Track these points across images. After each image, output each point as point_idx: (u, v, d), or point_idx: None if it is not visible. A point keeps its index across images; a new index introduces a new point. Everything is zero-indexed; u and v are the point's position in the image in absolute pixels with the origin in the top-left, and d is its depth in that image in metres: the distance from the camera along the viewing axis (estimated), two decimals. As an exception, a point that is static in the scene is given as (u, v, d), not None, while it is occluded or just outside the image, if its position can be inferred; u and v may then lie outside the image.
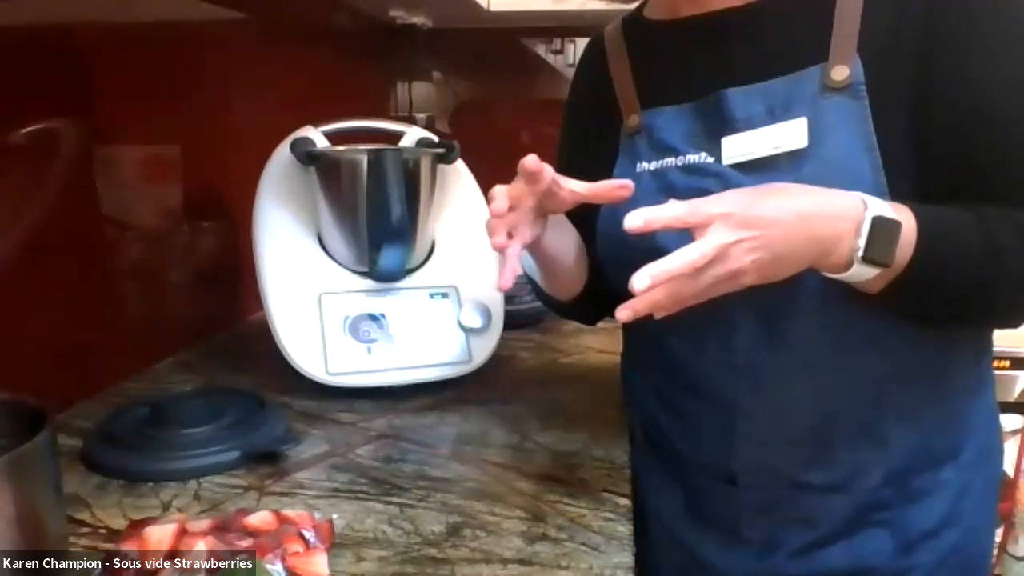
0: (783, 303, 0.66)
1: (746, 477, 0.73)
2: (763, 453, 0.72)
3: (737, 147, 0.68)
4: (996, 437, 0.77)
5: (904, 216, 0.59)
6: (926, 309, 0.64)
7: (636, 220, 0.56)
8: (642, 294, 0.55)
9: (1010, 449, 1.47)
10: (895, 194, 0.62)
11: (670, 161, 0.72)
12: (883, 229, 0.58)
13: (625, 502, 0.71)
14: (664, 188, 0.71)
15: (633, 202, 0.73)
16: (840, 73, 0.64)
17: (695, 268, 0.55)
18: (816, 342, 0.67)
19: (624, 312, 0.57)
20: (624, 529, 0.66)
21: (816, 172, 0.63)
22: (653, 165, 0.73)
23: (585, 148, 0.83)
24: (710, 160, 0.69)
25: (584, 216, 0.75)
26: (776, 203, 0.58)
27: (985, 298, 0.63)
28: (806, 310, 0.66)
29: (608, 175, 0.76)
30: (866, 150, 0.63)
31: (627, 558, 0.62)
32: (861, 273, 0.59)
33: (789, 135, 0.65)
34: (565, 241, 0.77)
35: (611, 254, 0.75)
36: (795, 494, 0.72)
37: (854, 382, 0.68)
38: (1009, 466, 1.49)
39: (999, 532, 1.52)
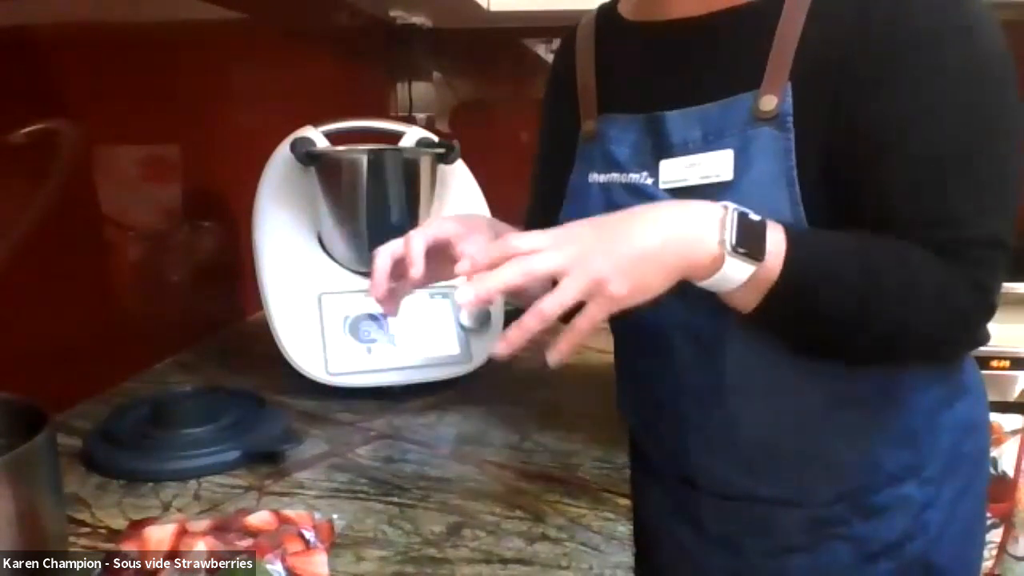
0: (712, 329, 0.67)
1: (703, 483, 0.74)
2: (714, 463, 0.73)
3: (672, 172, 0.67)
4: (972, 444, 0.74)
5: (771, 224, 0.58)
6: (803, 331, 0.62)
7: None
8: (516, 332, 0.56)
9: (1010, 449, 1.47)
10: (818, 227, 0.61)
11: (616, 177, 0.71)
12: (748, 222, 0.56)
13: (625, 502, 0.71)
14: (609, 205, 0.70)
15: (583, 212, 0.72)
16: (768, 103, 0.62)
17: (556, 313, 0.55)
18: (749, 367, 0.66)
19: (501, 346, 0.57)
20: (624, 529, 0.66)
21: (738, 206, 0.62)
22: (602, 178, 0.72)
23: (555, 148, 0.81)
24: (649, 182, 0.68)
25: (549, 221, 0.75)
26: (630, 222, 0.57)
27: (865, 318, 0.60)
28: (736, 337, 0.66)
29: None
30: (787, 184, 0.62)
31: (627, 558, 0.62)
32: (735, 272, 0.56)
33: (716, 166, 0.64)
34: None
35: None
36: (749, 504, 0.72)
37: (792, 406, 0.67)
38: (1009, 466, 1.49)
39: (999, 532, 1.52)
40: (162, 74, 1.06)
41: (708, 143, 0.65)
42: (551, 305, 0.54)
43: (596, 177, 0.73)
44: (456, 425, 0.90)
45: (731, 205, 0.57)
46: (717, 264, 0.56)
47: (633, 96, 0.71)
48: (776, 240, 0.57)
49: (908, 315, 0.60)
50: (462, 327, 1.00)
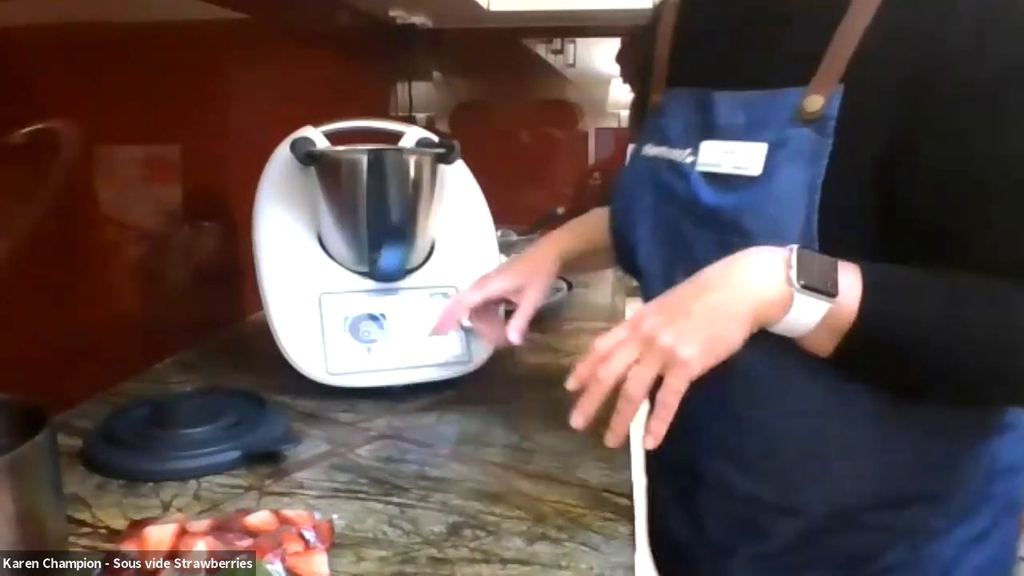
0: None
1: (704, 480, 0.74)
2: (716, 462, 0.72)
3: (710, 155, 0.66)
4: (1003, 487, 0.70)
5: (844, 265, 0.57)
6: (887, 374, 0.61)
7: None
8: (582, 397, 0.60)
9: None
10: (828, 240, 0.59)
11: (664, 151, 0.71)
12: (812, 258, 0.56)
13: (625, 502, 0.71)
14: (650, 178, 0.72)
15: (631, 183, 0.76)
16: (813, 104, 0.59)
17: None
18: (758, 368, 0.65)
19: (577, 420, 0.60)
20: (624, 529, 0.66)
21: (757, 205, 0.61)
22: (653, 151, 0.73)
23: (636, 118, 0.83)
24: (689, 160, 0.68)
25: None
26: (693, 285, 0.59)
27: (951, 363, 0.58)
28: (747, 340, 0.65)
29: None
30: (808, 192, 0.59)
31: (627, 558, 0.62)
32: (807, 309, 0.56)
33: (749, 158, 0.62)
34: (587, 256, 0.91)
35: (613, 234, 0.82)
36: (747, 506, 0.71)
37: (795, 412, 0.66)
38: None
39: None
40: (162, 74, 1.06)
41: (748, 132, 0.63)
42: (634, 388, 0.58)
43: (649, 150, 0.73)
44: (456, 425, 0.90)
45: (795, 247, 0.57)
46: (787, 303, 0.56)
47: (694, 71, 0.71)
48: (850, 282, 0.56)
49: (1002, 357, 0.57)
50: (462, 327, 1.00)
